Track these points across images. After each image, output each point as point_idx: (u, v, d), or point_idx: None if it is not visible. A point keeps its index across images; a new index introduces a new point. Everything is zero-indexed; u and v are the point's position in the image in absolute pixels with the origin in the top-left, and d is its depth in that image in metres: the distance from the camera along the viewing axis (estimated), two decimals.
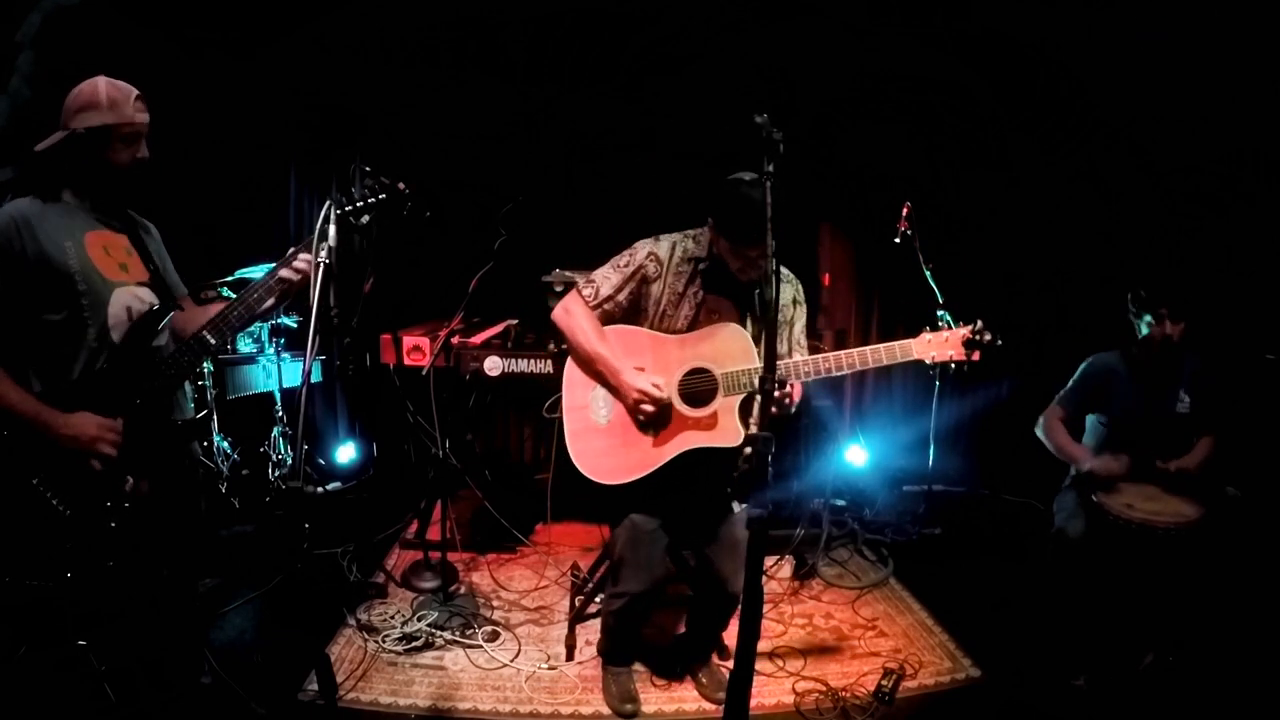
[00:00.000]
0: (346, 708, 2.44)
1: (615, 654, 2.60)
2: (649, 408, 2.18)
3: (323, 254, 1.70)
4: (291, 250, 1.94)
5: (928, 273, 3.72)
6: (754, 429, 2.21)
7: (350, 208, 1.96)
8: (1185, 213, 4.11)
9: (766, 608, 3.13)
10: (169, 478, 1.97)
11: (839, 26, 4.11)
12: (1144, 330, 2.84)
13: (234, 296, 1.97)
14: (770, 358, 1.56)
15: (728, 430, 2.17)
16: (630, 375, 2.20)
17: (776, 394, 2.07)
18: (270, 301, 1.95)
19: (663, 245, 2.30)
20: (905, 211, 3.72)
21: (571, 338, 2.29)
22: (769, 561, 3.40)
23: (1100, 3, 3.75)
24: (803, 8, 4.05)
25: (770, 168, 1.56)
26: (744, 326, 2.22)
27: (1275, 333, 3.47)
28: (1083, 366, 3.00)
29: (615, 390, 2.25)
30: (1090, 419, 3.02)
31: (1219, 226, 4.01)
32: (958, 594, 3.28)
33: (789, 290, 2.35)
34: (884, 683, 2.60)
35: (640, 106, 4.39)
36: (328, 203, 1.77)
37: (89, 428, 1.77)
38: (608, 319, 2.30)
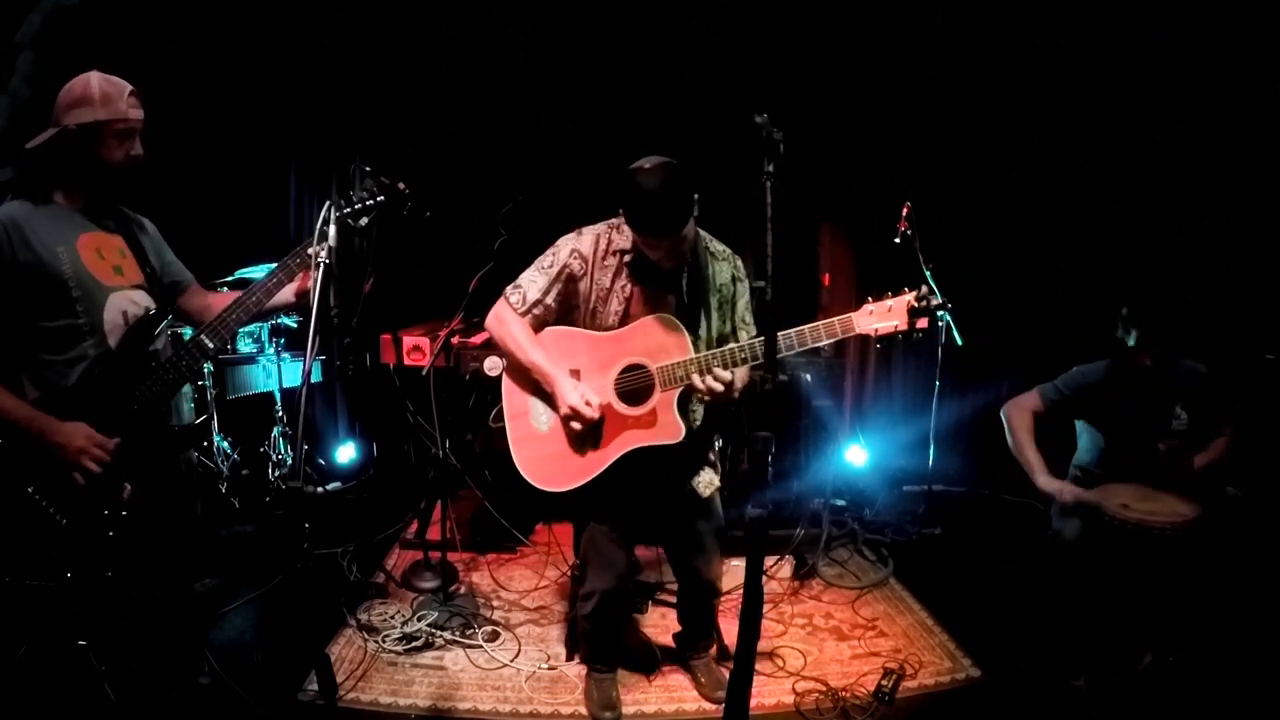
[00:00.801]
0: (346, 708, 2.44)
1: (597, 656, 2.57)
2: (577, 425, 2.15)
3: (323, 254, 1.69)
4: (292, 253, 1.94)
5: (928, 273, 3.72)
6: (696, 422, 2.22)
7: (350, 210, 1.96)
8: (1185, 213, 4.11)
9: (766, 608, 3.12)
10: (165, 483, 1.96)
11: (839, 26, 4.11)
12: (1131, 344, 2.79)
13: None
14: (771, 358, 1.55)
15: (668, 425, 2.14)
16: (564, 387, 2.16)
17: (705, 384, 2.04)
18: (270, 303, 1.95)
19: (585, 240, 2.24)
20: (905, 211, 3.72)
21: (505, 347, 2.26)
22: (769, 561, 3.40)
23: (1100, 3, 3.75)
24: (803, 8, 4.05)
25: (770, 168, 1.55)
26: (680, 314, 2.17)
27: (1275, 333, 3.47)
28: (1070, 374, 2.90)
29: (551, 399, 2.22)
30: (1079, 423, 2.97)
31: (1219, 226, 4.01)
32: (958, 594, 3.28)
33: (726, 268, 2.28)
34: (884, 683, 2.60)
35: (640, 106, 4.38)
36: (328, 203, 1.76)
37: (76, 438, 1.74)
38: (540, 322, 2.26)
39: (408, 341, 3.55)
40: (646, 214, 2.04)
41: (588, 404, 2.13)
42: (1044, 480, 2.77)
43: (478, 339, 3.65)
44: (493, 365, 3.51)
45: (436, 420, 3.21)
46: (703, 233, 2.28)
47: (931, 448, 4.02)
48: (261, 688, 2.40)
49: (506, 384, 2.31)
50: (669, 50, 4.20)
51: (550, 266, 2.24)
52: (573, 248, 2.24)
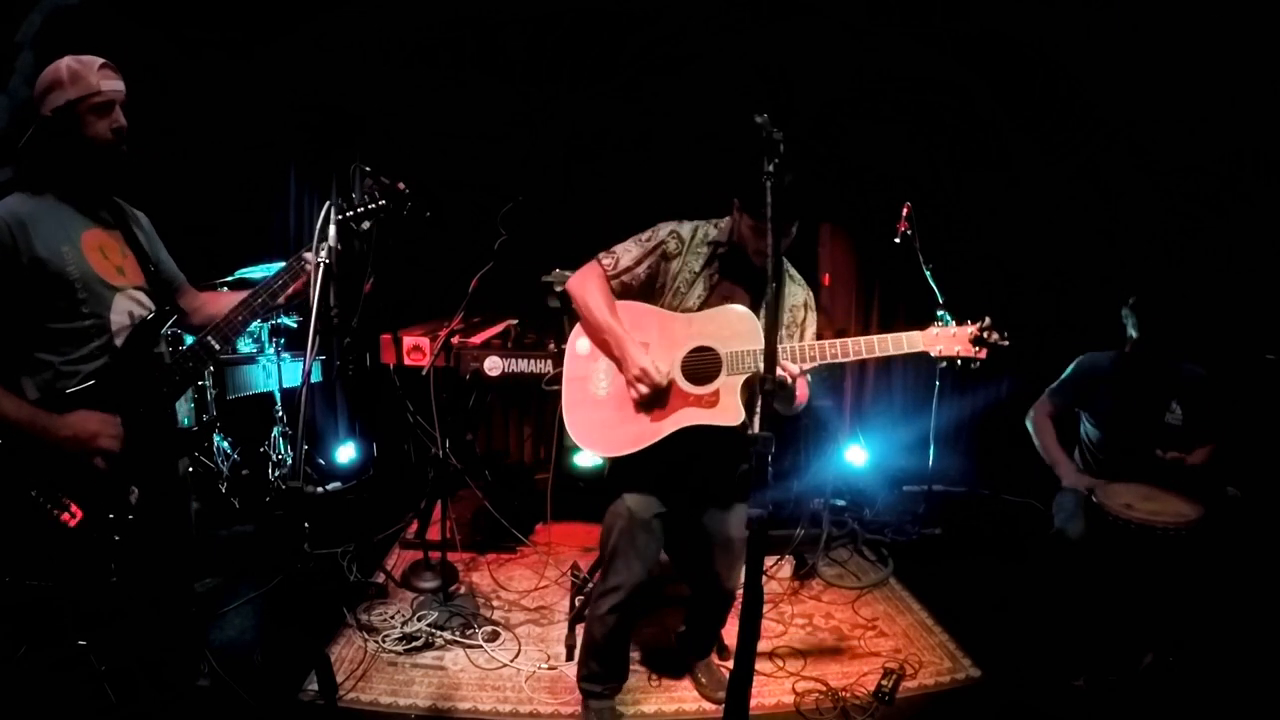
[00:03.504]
0: (346, 708, 2.44)
1: (600, 676, 2.39)
2: (644, 388, 2.16)
3: (323, 254, 1.69)
4: (296, 255, 1.93)
5: (928, 273, 3.72)
6: (757, 414, 2.21)
7: (351, 214, 1.95)
8: (1185, 213, 4.12)
9: (766, 608, 3.12)
10: (168, 485, 1.95)
11: (838, 26, 4.11)
12: (1130, 334, 2.83)
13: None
14: (771, 357, 1.55)
15: (728, 409, 2.15)
16: (636, 351, 2.19)
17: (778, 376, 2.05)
18: (275, 303, 1.94)
19: (685, 226, 2.31)
20: (905, 211, 3.72)
21: (583, 306, 2.26)
22: (769, 561, 3.40)
23: (1100, 2, 3.75)
24: (802, 8, 4.05)
25: (770, 167, 1.56)
26: (755, 313, 2.20)
27: (1275, 333, 3.47)
28: (1075, 363, 3.00)
29: (619, 362, 2.23)
30: (1083, 415, 3.02)
31: (1219, 226, 4.01)
32: (958, 594, 3.28)
33: (800, 293, 2.33)
34: (884, 683, 2.60)
35: (639, 106, 4.39)
36: (328, 204, 1.76)
37: (89, 424, 1.73)
38: (623, 291, 2.29)
39: (408, 341, 3.54)
40: (779, 199, 2.09)
41: (658, 370, 2.16)
42: (1071, 477, 2.83)
43: (478, 339, 3.65)
44: (493, 365, 3.51)
45: (436, 420, 3.21)
46: (784, 257, 2.34)
47: (931, 448, 4.01)
48: (261, 688, 2.40)
49: (571, 347, 2.33)
50: (668, 50, 4.20)
51: (648, 240, 2.30)
52: (672, 229, 2.30)
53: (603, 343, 2.26)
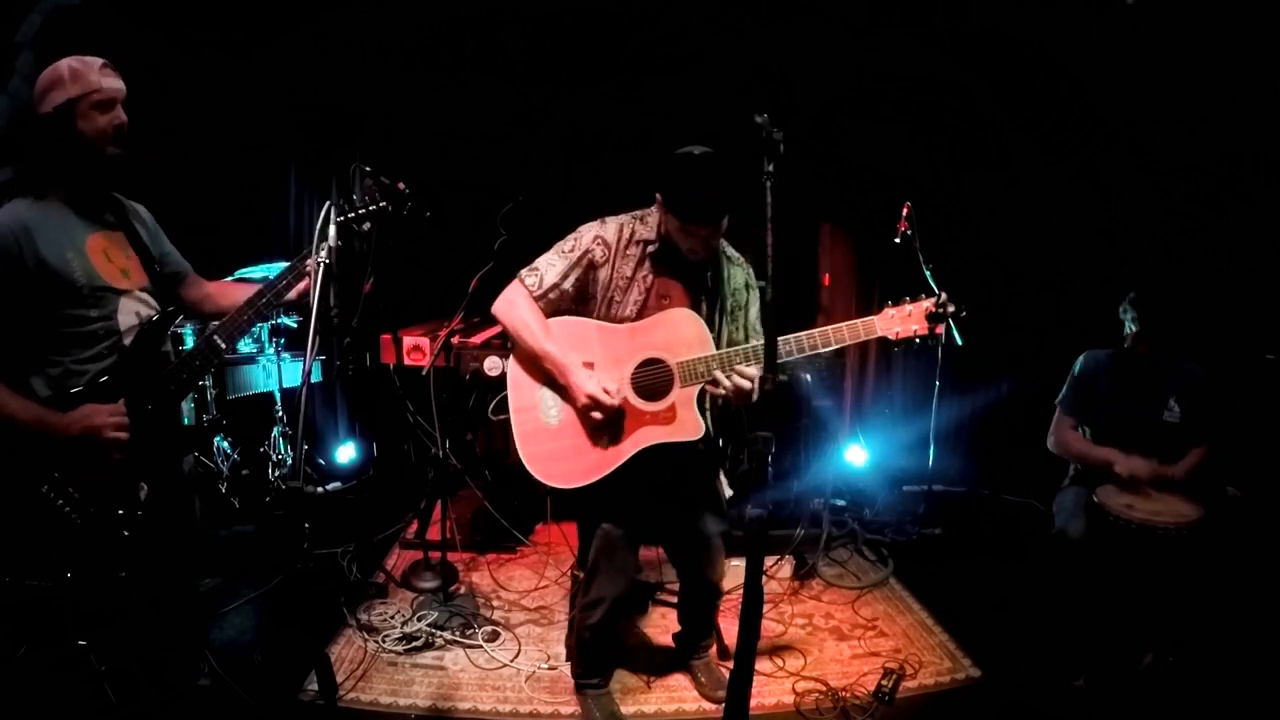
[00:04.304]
0: (346, 708, 2.44)
1: (591, 671, 2.47)
2: (598, 415, 2.08)
3: (323, 254, 1.69)
4: (300, 255, 1.93)
5: (928, 273, 3.72)
6: (710, 419, 2.20)
7: (350, 216, 1.96)
8: (1185, 213, 4.11)
9: (766, 608, 3.12)
10: (173, 483, 1.96)
11: (838, 27, 4.11)
12: (1128, 328, 2.83)
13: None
14: (771, 357, 1.55)
15: (687, 423, 2.09)
16: (579, 377, 2.09)
17: (732, 381, 2.03)
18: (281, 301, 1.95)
19: (609, 228, 2.19)
20: (905, 211, 3.72)
21: (515, 333, 2.15)
22: (769, 561, 3.40)
23: (1100, 2, 3.75)
24: (802, 8, 4.05)
25: (770, 168, 1.55)
26: (697, 311, 2.13)
27: (1275, 333, 3.47)
28: (1076, 364, 2.97)
29: (564, 391, 2.14)
30: None
31: (1219, 226, 4.01)
32: (958, 594, 3.28)
33: (740, 274, 2.26)
34: (884, 683, 2.60)
35: (639, 107, 4.38)
36: (328, 204, 1.76)
37: (96, 416, 1.74)
38: (553, 309, 2.18)
39: (408, 341, 3.55)
40: (693, 197, 2.01)
41: (607, 393, 2.07)
42: (1121, 463, 2.71)
43: (478, 339, 3.65)
44: (493, 365, 3.51)
45: (436, 420, 3.21)
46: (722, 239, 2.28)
47: (931, 448, 4.01)
48: (261, 688, 2.40)
49: (513, 374, 2.21)
50: (668, 50, 4.20)
51: (571, 251, 2.18)
52: (596, 234, 2.18)
53: (543, 370, 2.16)
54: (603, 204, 2.28)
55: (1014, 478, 4.29)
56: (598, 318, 2.19)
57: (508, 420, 2.21)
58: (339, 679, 2.55)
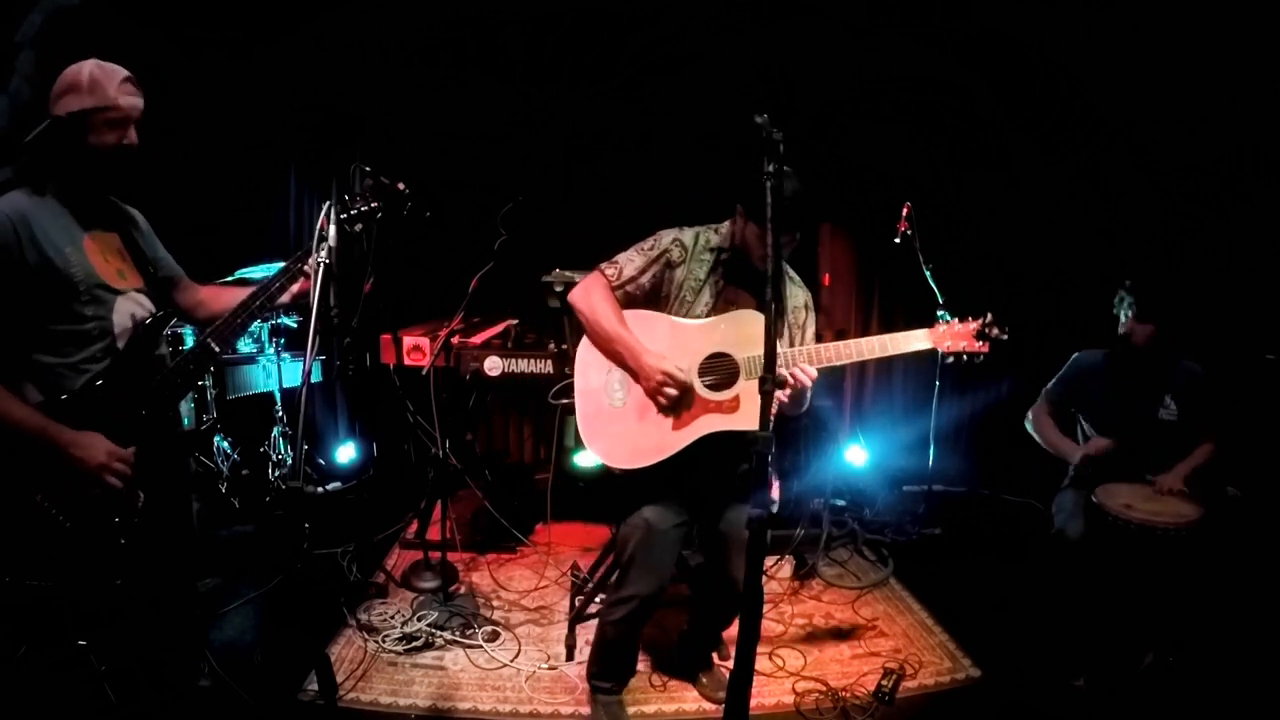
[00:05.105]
0: (346, 708, 2.44)
1: (608, 674, 2.45)
2: (671, 390, 2.15)
3: (323, 254, 1.69)
4: (296, 255, 1.93)
5: (928, 273, 3.72)
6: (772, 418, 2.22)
7: (348, 216, 1.96)
8: (1185, 213, 4.11)
9: (766, 608, 3.13)
10: (171, 487, 1.95)
11: (838, 26, 4.11)
12: (1122, 320, 2.84)
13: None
14: (770, 356, 1.55)
15: (751, 414, 2.13)
16: (652, 357, 2.17)
17: (794, 377, 2.10)
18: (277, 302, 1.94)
19: (687, 233, 2.30)
20: (905, 211, 3.72)
21: (590, 317, 2.24)
22: (769, 561, 3.40)
23: (1100, 2, 3.75)
24: (802, 8, 4.05)
25: (770, 168, 1.56)
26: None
27: (1275, 333, 3.47)
28: (1069, 361, 3.01)
29: (634, 372, 2.21)
30: (1079, 414, 3.01)
31: (1219, 226, 4.01)
32: (958, 594, 3.28)
33: (800, 295, 2.35)
34: (884, 683, 2.61)
35: (639, 107, 4.39)
36: (327, 204, 1.76)
37: (97, 453, 1.71)
38: (628, 301, 2.27)
39: (408, 341, 3.54)
40: (780, 206, 2.10)
41: (680, 370, 2.14)
42: (1080, 450, 2.85)
43: (478, 339, 3.65)
44: (493, 365, 3.52)
45: (436, 420, 3.21)
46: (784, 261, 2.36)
47: (931, 448, 4.02)
48: (261, 688, 2.40)
49: (581, 359, 2.30)
50: (668, 50, 4.20)
51: (651, 249, 2.28)
52: (675, 237, 2.29)
53: (614, 353, 2.24)
54: (603, 204, 2.28)
55: (1014, 478, 4.29)
56: (670, 315, 2.28)
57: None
58: (339, 679, 2.55)
